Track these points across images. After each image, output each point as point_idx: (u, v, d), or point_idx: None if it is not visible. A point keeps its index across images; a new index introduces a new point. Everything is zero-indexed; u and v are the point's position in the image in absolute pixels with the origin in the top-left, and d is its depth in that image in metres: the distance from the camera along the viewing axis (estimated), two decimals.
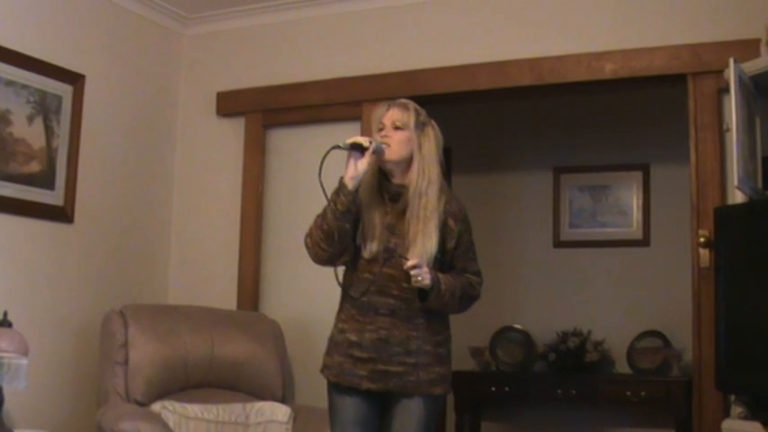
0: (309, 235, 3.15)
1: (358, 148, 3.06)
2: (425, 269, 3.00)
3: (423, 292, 3.06)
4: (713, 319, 3.72)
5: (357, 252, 3.16)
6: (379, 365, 3.08)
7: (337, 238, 3.06)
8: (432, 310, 3.12)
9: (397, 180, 3.18)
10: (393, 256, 3.08)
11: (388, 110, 3.20)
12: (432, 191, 3.11)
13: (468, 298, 3.19)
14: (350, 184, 3.05)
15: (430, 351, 3.12)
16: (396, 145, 3.12)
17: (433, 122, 3.23)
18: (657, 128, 5.84)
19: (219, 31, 5.26)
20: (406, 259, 3.01)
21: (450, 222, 3.14)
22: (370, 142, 3.07)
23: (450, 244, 3.15)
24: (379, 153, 3.10)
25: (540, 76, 4.41)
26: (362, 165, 3.06)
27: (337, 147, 3.07)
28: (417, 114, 3.18)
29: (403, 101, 3.25)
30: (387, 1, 4.81)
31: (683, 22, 4.16)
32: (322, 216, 3.10)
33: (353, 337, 3.12)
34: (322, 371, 3.23)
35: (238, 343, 4.39)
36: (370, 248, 3.12)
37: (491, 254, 5.10)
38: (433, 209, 3.09)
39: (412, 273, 2.98)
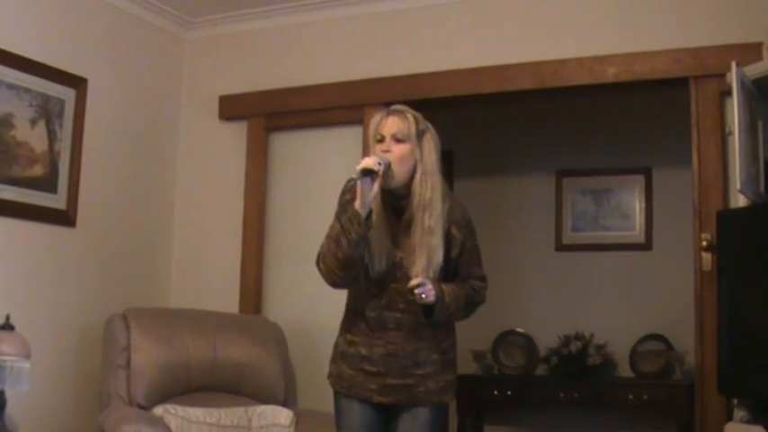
0: (323, 261, 3.07)
1: (368, 174, 2.96)
2: (429, 286, 2.96)
3: (427, 308, 3.03)
4: (716, 323, 3.72)
5: (365, 268, 3.11)
6: (388, 380, 3.06)
7: (353, 265, 3.01)
8: (437, 322, 3.10)
9: (399, 192, 3.09)
10: (399, 270, 3.05)
11: (386, 118, 3.10)
12: (436, 200, 3.05)
13: (472, 304, 3.18)
14: (363, 212, 2.96)
15: (437, 360, 3.11)
16: (397, 163, 3.02)
17: (429, 126, 3.15)
18: (660, 131, 5.84)
19: (222, 34, 5.27)
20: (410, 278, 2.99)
21: (453, 230, 3.11)
22: (380, 164, 2.97)
23: (454, 252, 3.12)
24: (387, 171, 3.00)
25: (543, 80, 4.41)
26: (375, 189, 2.97)
27: (351, 179, 3.03)
28: (416, 122, 3.09)
29: (399, 108, 3.14)
30: (389, 5, 4.81)
31: (686, 26, 4.16)
32: (336, 242, 3.01)
33: (364, 351, 3.09)
34: (329, 378, 3.20)
35: (241, 346, 4.39)
36: (379, 265, 3.06)
37: (493, 257, 5.06)
38: (438, 217, 3.04)
39: (416, 291, 2.94)
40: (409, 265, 3.03)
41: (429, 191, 3.05)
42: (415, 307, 3.04)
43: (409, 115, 3.10)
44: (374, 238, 3.06)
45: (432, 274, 3.01)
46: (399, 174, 3.04)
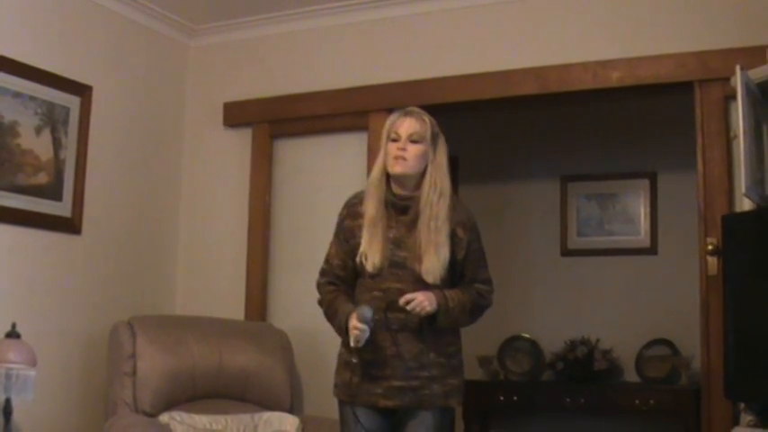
0: (320, 304, 3.27)
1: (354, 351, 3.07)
2: (420, 298, 2.99)
3: (431, 316, 3.05)
4: (721, 327, 3.71)
5: (361, 269, 3.15)
6: (393, 382, 3.07)
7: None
8: (442, 328, 3.11)
9: (406, 192, 3.15)
10: (402, 270, 3.08)
11: (403, 118, 3.16)
12: (442, 202, 3.10)
13: (479, 309, 3.20)
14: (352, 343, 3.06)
15: (443, 363, 3.13)
16: (412, 160, 3.11)
17: (440, 131, 3.23)
18: (664, 136, 5.84)
19: (226, 41, 5.27)
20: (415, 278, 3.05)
21: (459, 232, 3.14)
22: (358, 341, 3.01)
23: (461, 255, 3.14)
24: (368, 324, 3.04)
25: (546, 85, 4.40)
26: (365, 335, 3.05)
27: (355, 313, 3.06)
28: (432, 125, 3.17)
29: (416, 110, 3.21)
30: (393, 11, 4.81)
31: (690, 30, 4.16)
32: (329, 319, 3.20)
33: (367, 356, 3.10)
34: (334, 390, 3.21)
35: (246, 353, 4.39)
36: (373, 262, 3.09)
37: (499, 263, 5.06)
38: (444, 218, 3.09)
39: (408, 308, 2.99)
40: (413, 266, 3.06)
41: (437, 193, 3.11)
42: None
43: (426, 118, 3.18)
44: (371, 235, 3.11)
45: (439, 273, 3.04)
46: (410, 168, 3.11)
